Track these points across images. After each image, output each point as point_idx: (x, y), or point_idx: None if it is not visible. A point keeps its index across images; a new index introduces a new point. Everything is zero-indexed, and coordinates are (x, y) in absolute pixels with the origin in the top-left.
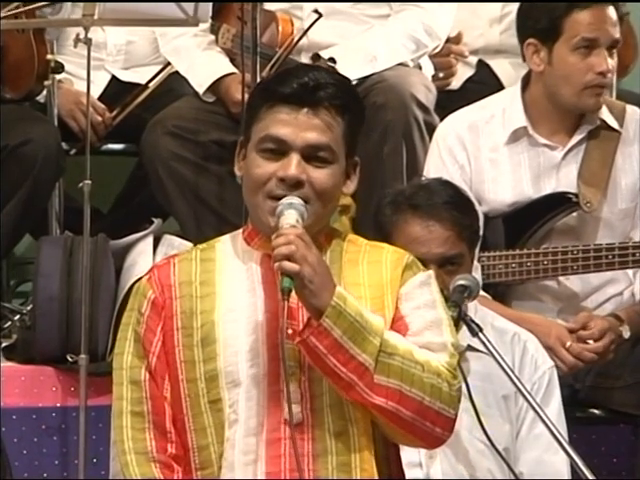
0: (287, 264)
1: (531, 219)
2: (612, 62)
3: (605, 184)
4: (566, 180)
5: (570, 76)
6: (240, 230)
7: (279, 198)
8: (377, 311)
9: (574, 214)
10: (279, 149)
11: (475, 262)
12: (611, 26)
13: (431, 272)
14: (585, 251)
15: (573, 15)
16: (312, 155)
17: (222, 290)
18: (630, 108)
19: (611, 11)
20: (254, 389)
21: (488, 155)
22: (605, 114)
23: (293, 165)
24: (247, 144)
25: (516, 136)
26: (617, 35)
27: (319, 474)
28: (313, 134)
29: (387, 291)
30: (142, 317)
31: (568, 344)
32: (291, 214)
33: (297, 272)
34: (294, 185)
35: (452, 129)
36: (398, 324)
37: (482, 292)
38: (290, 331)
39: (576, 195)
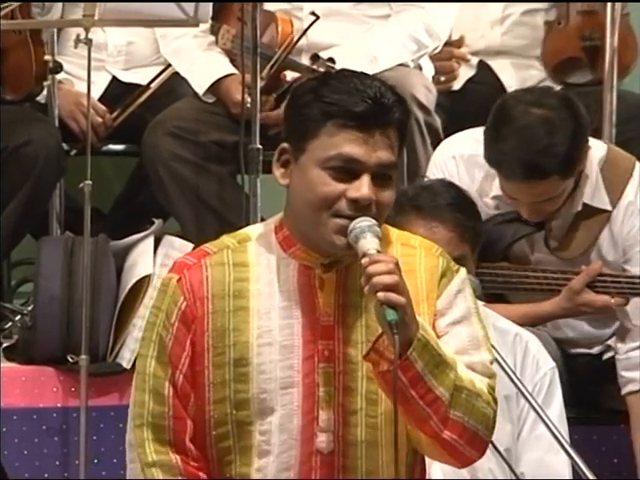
0: (394, 296)
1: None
2: None
3: (584, 255)
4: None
5: None
6: (271, 226)
7: (349, 218)
8: None
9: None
10: (351, 168)
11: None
12: None
13: (464, 272)
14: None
15: None
16: (380, 174)
17: (256, 305)
18: (630, 187)
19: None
20: (288, 421)
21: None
22: (590, 196)
23: (366, 186)
24: (298, 155)
25: (498, 200)
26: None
27: None
28: (385, 154)
29: (424, 309)
30: (171, 327)
31: (613, 304)
32: (372, 238)
33: (403, 305)
34: (365, 207)
35: (452, 156)
36: None
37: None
38: (326, 352)
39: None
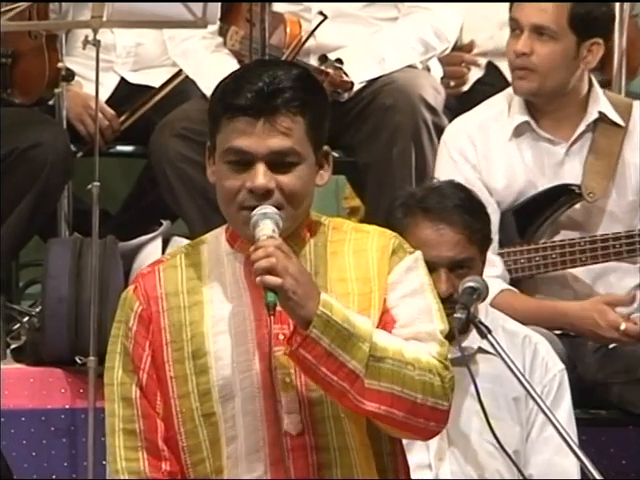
0: (269, 278)
1: (536, 213)
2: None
3: (611, 176)
4: (571, 175)
5: None
6: (224, 227)
7: (252, 208)
8: (364, 310)
9: (578, 206)
10: (243, 160)
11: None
12: None
13: (418, 254)
14: (592, 242)
15: None
16: (277, 161)
17: (210, 298)
18: (638, 104)
19: None
20: (250, 404)
21: (498, 151)
22: (604, 107)
23: (260, 175)
24: (213, 151)
25: (519, 131)
26: None
27: None
28: (275, 141)
29: (374, 286)
30: (130, 331)
31: (622, 327)
32: (266, 224)
33: (280, 285)
34: (263, 195)
35: (463, 129)
36: (385, 317)
37: (509, 286)
38: (281, 337)
39: (579, 186)
